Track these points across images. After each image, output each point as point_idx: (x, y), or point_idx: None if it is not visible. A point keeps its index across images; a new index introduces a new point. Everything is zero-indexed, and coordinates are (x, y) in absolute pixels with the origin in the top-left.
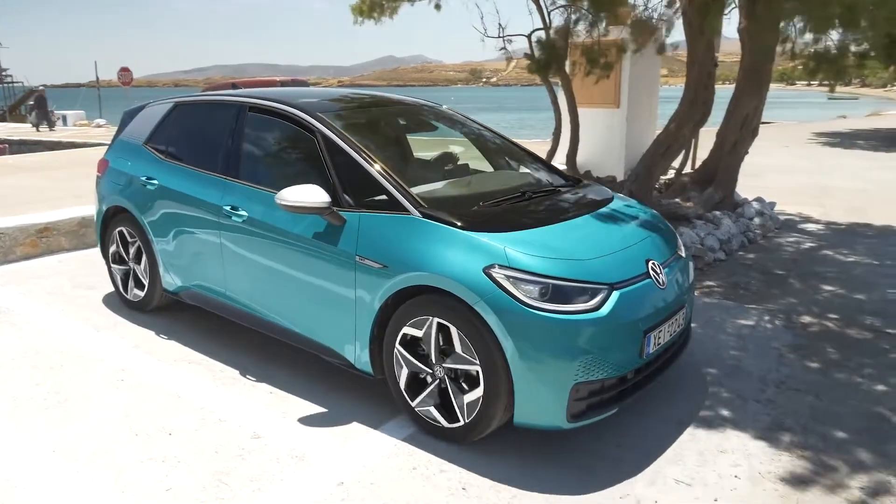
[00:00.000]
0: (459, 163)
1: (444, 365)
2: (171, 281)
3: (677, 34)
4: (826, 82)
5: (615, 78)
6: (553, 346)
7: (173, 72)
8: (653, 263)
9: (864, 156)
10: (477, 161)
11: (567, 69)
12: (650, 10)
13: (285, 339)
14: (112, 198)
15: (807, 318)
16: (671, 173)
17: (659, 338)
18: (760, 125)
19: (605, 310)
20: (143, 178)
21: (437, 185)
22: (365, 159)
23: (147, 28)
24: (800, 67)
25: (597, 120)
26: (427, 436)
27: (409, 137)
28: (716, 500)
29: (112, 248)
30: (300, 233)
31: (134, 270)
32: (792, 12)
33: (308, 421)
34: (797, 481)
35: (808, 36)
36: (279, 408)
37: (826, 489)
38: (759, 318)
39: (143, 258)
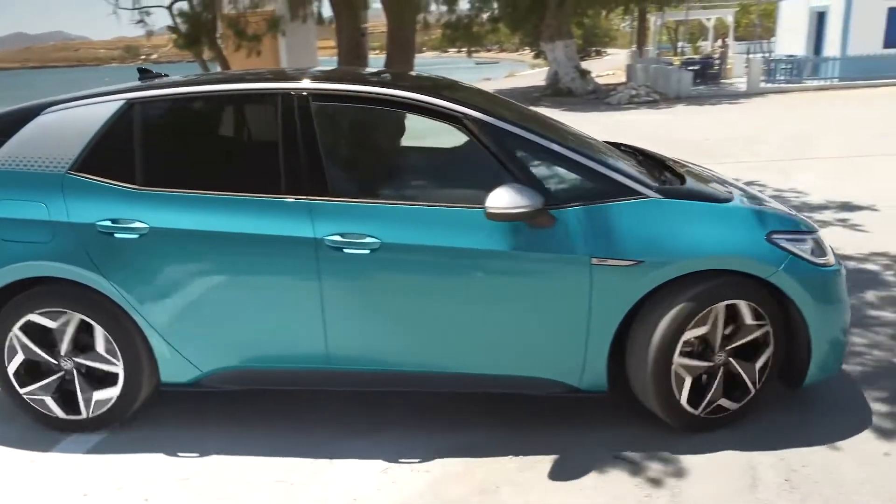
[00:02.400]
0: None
1: (726, 348)
2: (186, 368)
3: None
4: (464, 49)
5: (273, 51)
6: (836, 298)
7: None
8: None
9: None
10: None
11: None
12: None
13: (447, 388)
14: (13, 267)
15: None
16: None
17: None
18: None
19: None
20: (105, 223)
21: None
22: (558, 144)
23: None
24: (444, 35)
25: None
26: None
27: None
28: None
29: (19, 354)
30: (492, 248)
31: (79, 372)
32: None
33: None
34: None
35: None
36: None
37: None
38: None
39: (104, 349)
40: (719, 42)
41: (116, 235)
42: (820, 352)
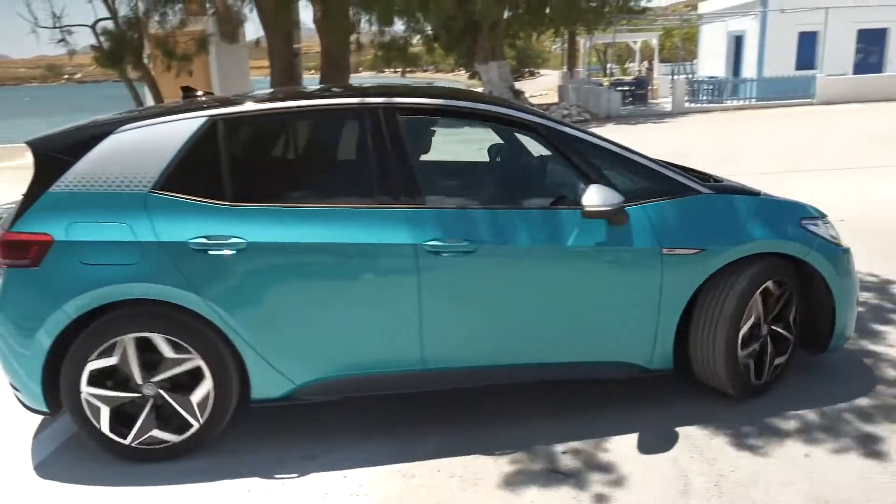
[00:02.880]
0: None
1: (772, 326)
2: (280, 382)
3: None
4: (399, 69)
5: (204, 71)
6: (850, 273)
7: None
8: None
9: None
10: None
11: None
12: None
13: (534, 378)
14: (94, 292)
15: None
16: None
17: None
18: None
19: None
20: (199, 240)
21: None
22: (623, 150)
23: None
24: (378, 56)
25: None
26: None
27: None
28: None
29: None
30: (575, 245)
31: (161, 396)
32: (358, 5)
33: None
34: None
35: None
36: None
37: None
38: None
39: (201, 370)
40: (646, 63)
41: (211, 252)
42: (842, 321)
